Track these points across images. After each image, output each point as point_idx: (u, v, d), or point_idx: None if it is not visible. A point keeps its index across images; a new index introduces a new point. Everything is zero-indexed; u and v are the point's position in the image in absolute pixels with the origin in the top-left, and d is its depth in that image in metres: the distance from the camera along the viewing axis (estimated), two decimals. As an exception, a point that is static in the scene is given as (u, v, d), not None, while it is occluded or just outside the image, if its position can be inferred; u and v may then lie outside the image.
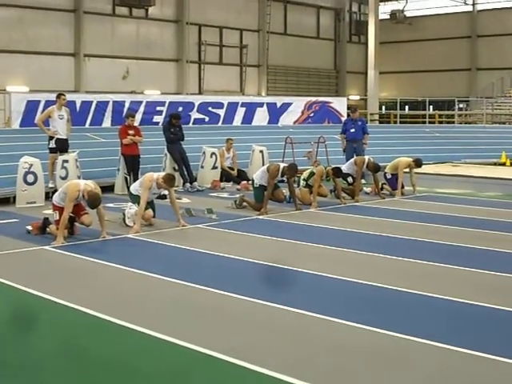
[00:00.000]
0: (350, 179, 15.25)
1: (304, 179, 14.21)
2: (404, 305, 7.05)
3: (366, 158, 15.28)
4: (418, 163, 15.49)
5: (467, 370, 5.27)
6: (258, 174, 13.50)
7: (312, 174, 14.08)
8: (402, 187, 15.40)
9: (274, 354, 5.56)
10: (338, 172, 14.09)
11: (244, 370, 5.20)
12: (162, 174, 11.41)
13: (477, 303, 6.93)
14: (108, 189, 14.90)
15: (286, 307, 6.71)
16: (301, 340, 5.92)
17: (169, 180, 11.05)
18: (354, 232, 11.07)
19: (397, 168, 15.37)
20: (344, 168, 15.12)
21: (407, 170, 15.50)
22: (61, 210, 10.14)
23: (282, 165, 13.26)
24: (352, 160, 15.49)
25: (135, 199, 11.39)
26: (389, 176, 15.60)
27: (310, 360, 5.45)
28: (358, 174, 14.98)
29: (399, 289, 7.49)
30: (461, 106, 39.38)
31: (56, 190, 11.44)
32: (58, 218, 10.16)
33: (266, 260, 8.78)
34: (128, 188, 15.15)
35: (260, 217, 12.47)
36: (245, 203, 13.33)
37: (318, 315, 6.46)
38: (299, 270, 8.33)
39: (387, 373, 5.21)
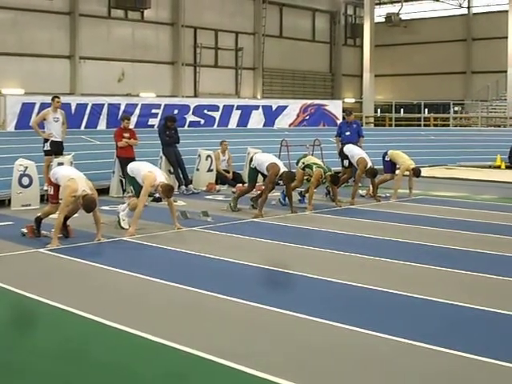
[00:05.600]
0: (346, 162, 15.39)
1: (303, 163, 14.18)
2: (397, 307, 7.06)
3: (369, 162, 15.00)
4: (417, 173, 15.46)
5: (459, 372, 5.27)
6: (258, 159, 13.44)
7: (310, 167, 13.96)
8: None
9: (271, 357, 5.56)
10: (335, 179, 14.02)
11: (241, 374, 5.20)
12: (163, 180, 11.17)
13: (470, 306, 6.94)
14: (103, 191, 14.89)
15: (282, 310, 6.71)
16: (296, 343, 5.92)
17: (167, 191, 10.92)
18: (350, 235, 11.09)
19: (396, 159, 15.63)
20: (345, 149, 15.46)
21: (407, 173, 15.54)
22: (56, 186, 10.52)
23: (281, 169, 13.16)
24: (356, 157, 15.23)
25: (131, 181, 11.47)
26: (387, 159, 15.75)
27: (304, 363, 5.44)
28: (358, 176, 14.97)
29: (393, 291, 7.51)
30: (456, 108, 39.39)
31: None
32: (52, 192, 10.62)
33: (262, 263, 8.79)
34: (124, 191, 15.21)
35: (255, 219, 12.48)
36: (238, 201, 13.36)
37: (314, 318, 6.45)
38: (294, 272, 8.33)
39: (379, 375, 5.22)
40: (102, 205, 12.68)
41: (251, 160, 13.69)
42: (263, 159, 13.42)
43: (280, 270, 8.44)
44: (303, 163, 14.19)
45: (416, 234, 11.02)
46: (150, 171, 11.20)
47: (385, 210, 13.95)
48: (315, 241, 10.41)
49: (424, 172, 16.31)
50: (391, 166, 15.78)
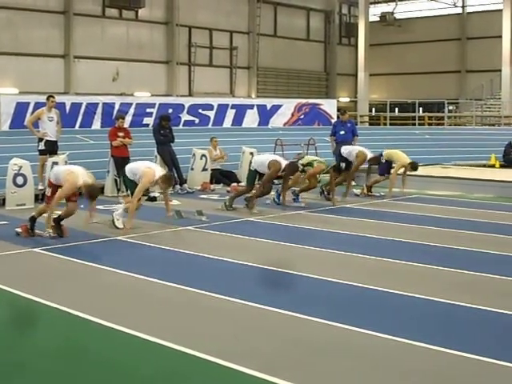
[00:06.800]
0: (343, 165, 15.42)
1: (302, 164, 14.20)
2: (390, 306, 7.05)
3: (368, 154, 15.07)
4: (414, 166, 15.44)
5: (459, 372, 5.27)
6: (259, 160, 13.49)
7: (310, 164, 14.00)
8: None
9: (268, 357, 5.56)
10: (337, 169, 14.08)
11: (238, 373, 5.19)
12: (161, 173, 11.18)
13: (464, 304, 6.96)
14: (98, 191, 14.85)
15: (280, 310, 6.69)
16: (294, 342, 5.91)
17: (167, 179, 11.05)
18: (344, 233, 11.09)
19: (392, 156, 15.59)
20: (343, 151, 15.29)
21: (401, 170, 15.54)
22: (54, 187, 10.41)
23: (283, 164, 13.19)
24: (354, 152, 15.29)
25: (130, 184, 11.38)
26: (383, 160, 15.69)
27: (303, 362, 5.45)
28: (355, 167, 14.97)
29: (386, 290, 7.51)
30: (450, 107, 39.43)
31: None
32: (49, 194, 10.51)
33: (256, 262, 8.79)
34: (118, 190, 15.20)
35: (250, 218, 12.47)
36: (234, 201, 13.36)
37: (313, 318, 6.45)
38: (289, 271, 8.33)
39: (378, 374, 5.22)
40: (97, 204, 12.63)
41: (251, 162, 13.68)
42: (263, 159, 13.48)
43: (277, 269, 8.41)
44: (302, 165, 14.20)
45: (412, 233, 11.02)
46: (148, 167, 11.22)
47: (381, 209, 13.95)
48: (312, 240, 10.39)
49: (419, 171, 16.33)
50: (386, 168, 15.71)
